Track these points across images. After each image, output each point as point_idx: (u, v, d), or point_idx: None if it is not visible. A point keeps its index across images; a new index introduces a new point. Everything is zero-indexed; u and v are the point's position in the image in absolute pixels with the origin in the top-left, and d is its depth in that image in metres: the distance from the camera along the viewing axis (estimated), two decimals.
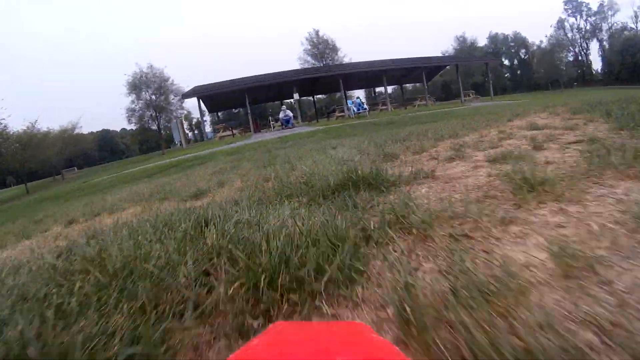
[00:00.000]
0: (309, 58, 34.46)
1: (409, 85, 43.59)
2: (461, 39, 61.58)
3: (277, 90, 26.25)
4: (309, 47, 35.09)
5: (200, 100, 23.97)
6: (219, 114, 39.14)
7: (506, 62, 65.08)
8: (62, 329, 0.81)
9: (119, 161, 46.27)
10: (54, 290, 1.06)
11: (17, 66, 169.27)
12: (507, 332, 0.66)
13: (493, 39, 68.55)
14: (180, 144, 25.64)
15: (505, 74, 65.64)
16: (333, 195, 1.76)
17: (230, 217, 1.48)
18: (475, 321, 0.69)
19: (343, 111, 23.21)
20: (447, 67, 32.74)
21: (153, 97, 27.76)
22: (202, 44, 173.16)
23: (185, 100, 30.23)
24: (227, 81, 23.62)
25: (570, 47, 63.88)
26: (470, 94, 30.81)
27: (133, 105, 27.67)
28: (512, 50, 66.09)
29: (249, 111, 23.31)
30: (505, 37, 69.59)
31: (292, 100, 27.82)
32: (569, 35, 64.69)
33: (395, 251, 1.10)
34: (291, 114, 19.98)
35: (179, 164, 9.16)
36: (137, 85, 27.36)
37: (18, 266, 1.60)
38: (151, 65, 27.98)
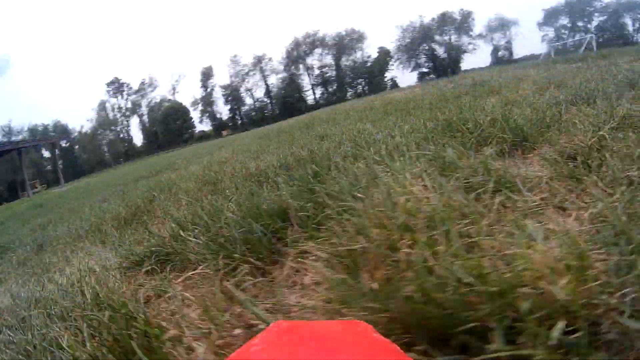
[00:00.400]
0: None
1: None
2: (6, 129, 55.79)
3: None
4: None
5: None
6: None
7: (47, 153, 63.11)
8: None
9: None
10: None
11: None
12: None
13: (32, 130, 64.92)
14: None
15: (47, 166, 64.23)
16: None
17: None
18: None
19: None
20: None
21: None
22: None
23: None
24: None
25: (113, 127, 68.31)
26: (37, 185, 26.84)
27: None
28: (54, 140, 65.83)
29: None
30: (45, 127, 67.46)
31: None
32: (111, 115, 68.69)
33: None
34: None
35: None
36: None
37: None
38: None
